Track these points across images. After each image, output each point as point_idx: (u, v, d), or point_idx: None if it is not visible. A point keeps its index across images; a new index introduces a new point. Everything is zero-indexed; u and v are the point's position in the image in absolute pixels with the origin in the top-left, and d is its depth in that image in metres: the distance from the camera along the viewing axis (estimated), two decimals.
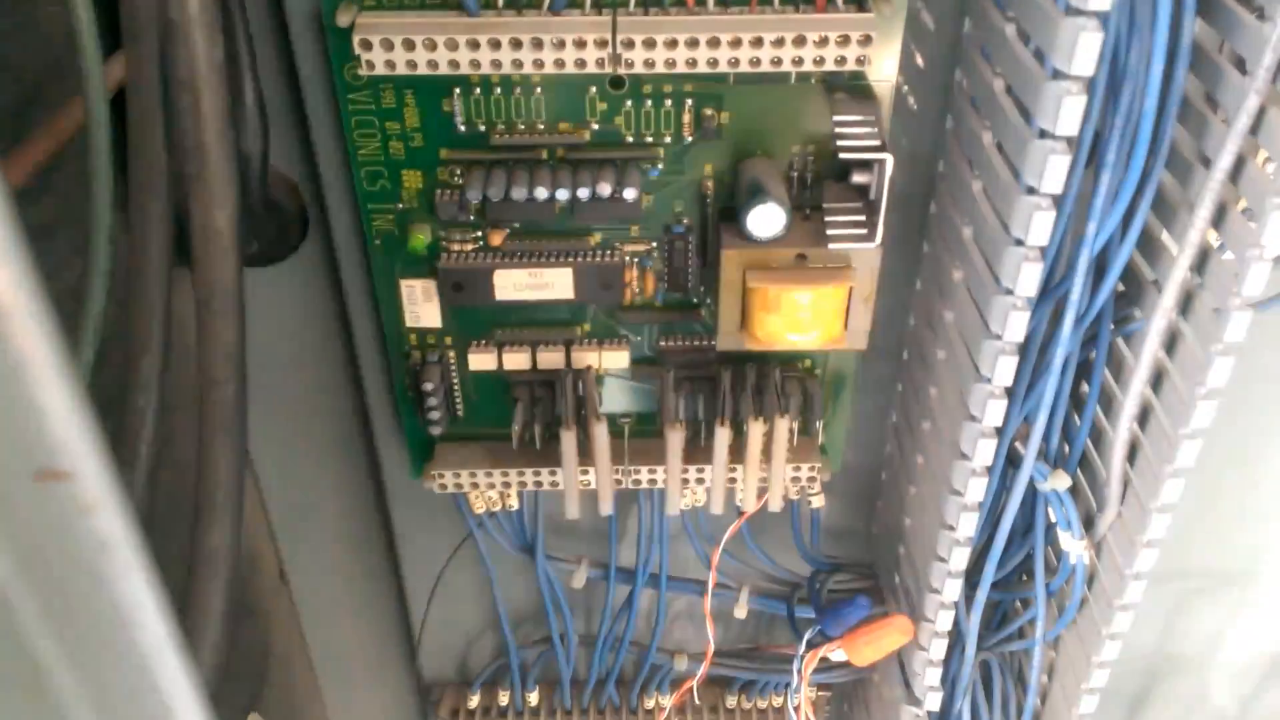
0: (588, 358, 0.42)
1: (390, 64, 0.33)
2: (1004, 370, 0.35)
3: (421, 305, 0.41)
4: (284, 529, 0.51)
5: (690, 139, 0.37)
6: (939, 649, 0.45)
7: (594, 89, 0.36)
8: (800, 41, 0.32)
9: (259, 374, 0.45)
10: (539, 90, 0.36)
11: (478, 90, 0.36)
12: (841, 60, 0.33)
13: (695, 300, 0.41)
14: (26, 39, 0.29)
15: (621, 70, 0.33)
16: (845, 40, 0.32)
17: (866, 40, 0.32)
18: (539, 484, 0.44)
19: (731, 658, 0.53)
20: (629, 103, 0.36)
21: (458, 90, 0.36)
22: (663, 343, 0.42)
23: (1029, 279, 0.33)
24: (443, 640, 0.56)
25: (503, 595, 0.50)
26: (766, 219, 0.35)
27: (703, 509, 0.47)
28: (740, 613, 0.50)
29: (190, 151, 0.24)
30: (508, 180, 0.36)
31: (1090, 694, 0.43)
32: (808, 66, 0.33)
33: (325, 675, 0.55)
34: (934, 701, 0.46)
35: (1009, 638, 0.47)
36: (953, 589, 0.40)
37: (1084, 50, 0.28)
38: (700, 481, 0.44)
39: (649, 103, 0.36)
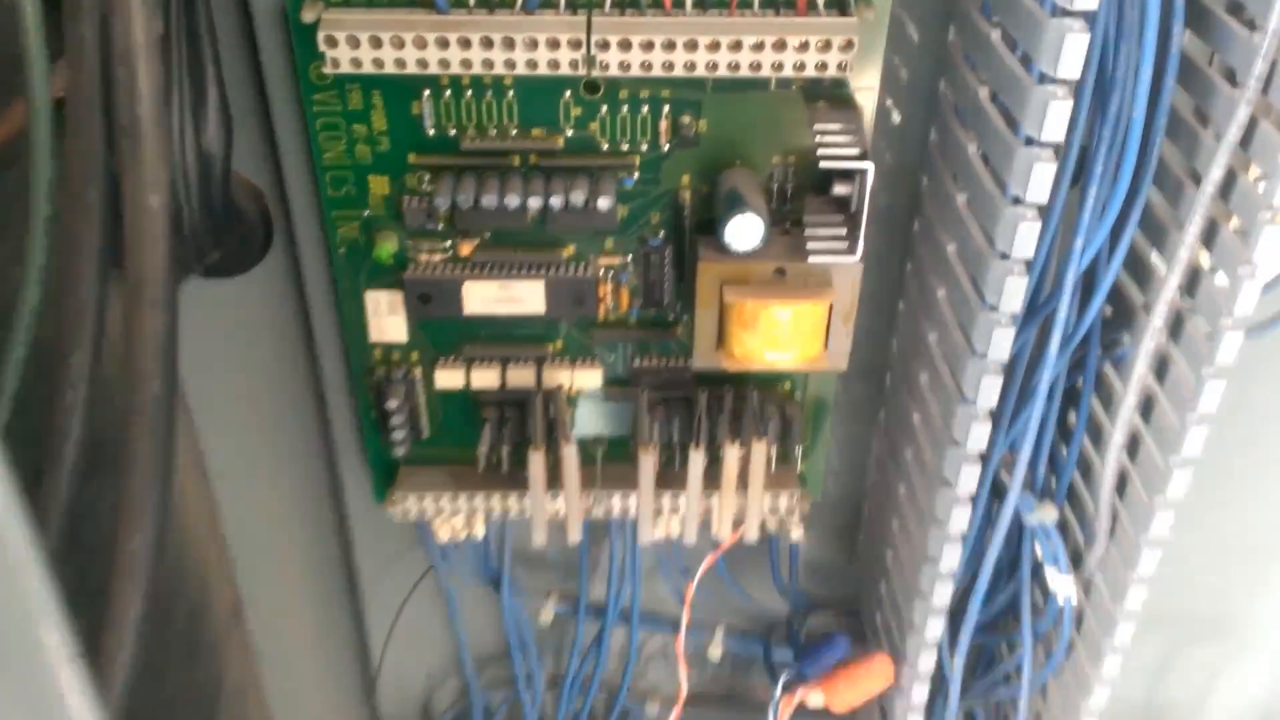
0: (559, 376, 0.40)
1: (356, 62, 0.32)
2: (988, 391, 0.34)
3: (386, 319, 0.39)
4: (241, 557, 0.49)
5: (667, 147, 0.36)
6: (921, 693, 0.43)
7: (568, 93, 0.35)
8: (780, 46, 0.31)
9: (218, 392, 0.44)
10: (511, 93, 0.35)
11: (448, 92, 0.35)
12: (823, 66, 0.32)
13: (671, 318, 0.40)
14: None
15: (596, 73, 0.32)
16: (827, 45, 0.31)
17: (848, 46, 0.31)
18: (506, 511, 0.42)
19: (705, 703, 0.50)
20: (604, 108, 0.35)
21: (427, 92, 0.34)
22: (637, 362, 0.40)
23: (1014, 294, 0.32)
24: (402, 680, 0.53)
25: (467, 632, 0.48)
26: (745, 230, 0.34)
27: (676, 540, 0.45)
28: (715, 653, 0.47)
29: (124, 129, 0.23)
30: (478, 187, 0.35)
31: None
32: (788, 71, 0.32)
33: (280, 713, 0.53)
34: None
35: (994, 684, 0.45)
36: (935, 627, 0.38)
37: (1071, 52, 0.27)
38: (675, 510, 0.42)
39: (625, 108, 0.35)
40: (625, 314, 0.39)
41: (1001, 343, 0.33)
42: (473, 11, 0.32)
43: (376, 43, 0.31)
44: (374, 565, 0.48)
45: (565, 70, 0.32)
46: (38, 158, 0.24)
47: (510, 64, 0.32)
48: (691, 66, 0.32)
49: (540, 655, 0.49)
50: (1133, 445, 0.37)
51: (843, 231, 0.34)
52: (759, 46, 0.31)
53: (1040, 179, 0.29)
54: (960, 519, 0.37)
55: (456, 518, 0.43)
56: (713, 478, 0.41)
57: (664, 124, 0.35)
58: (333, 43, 0.31)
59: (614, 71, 0.32)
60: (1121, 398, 0.36)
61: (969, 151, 0.33)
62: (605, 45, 0.31)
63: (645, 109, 0.35)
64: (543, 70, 0.32)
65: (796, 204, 0.36)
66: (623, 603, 0.47)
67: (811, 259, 0.34)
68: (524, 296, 0.38)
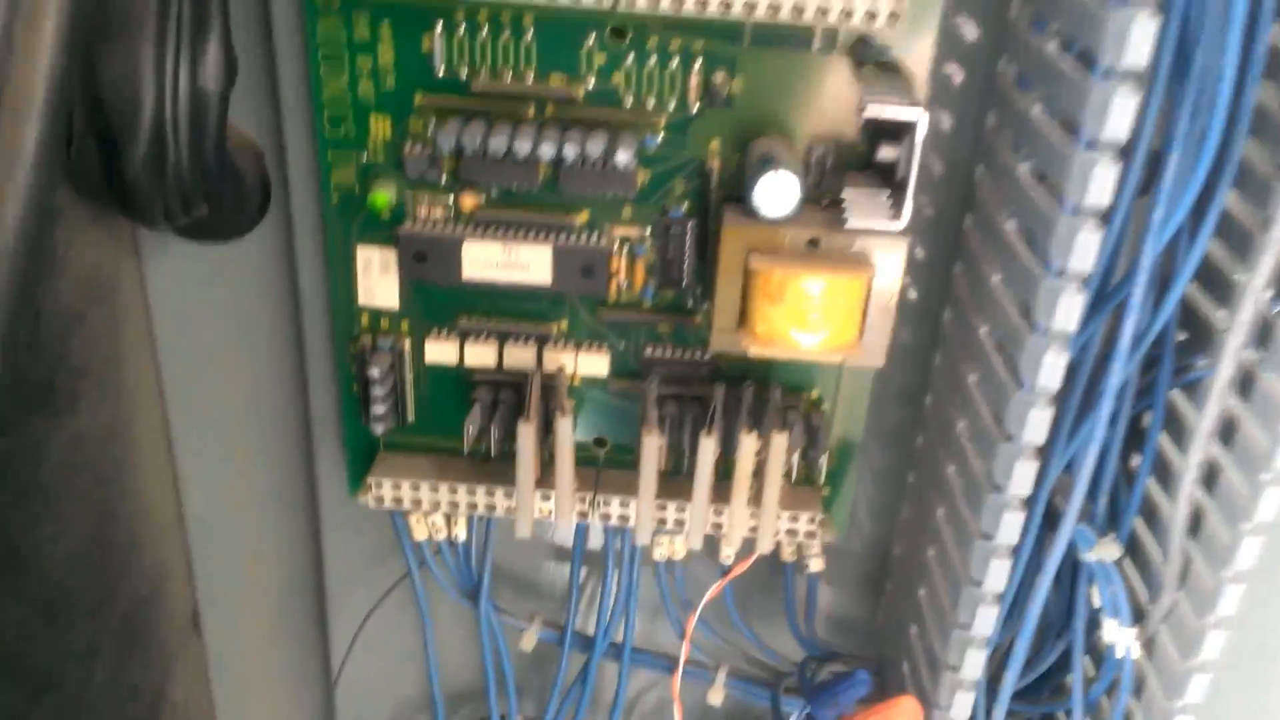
0: (562, 359, 0.36)
1: None
2: (1037, 424, 0.29)
3: (377, 280, 0.36)
4: (200, 555, 0.45)
5: (696, 108, 0.33)
6: None
7: (593, 37, 0.32)
8: None
9: (191, 369, 0.40)
10: (531, 33, 0.32)
11: (462, 29, 0.32)
12: (872, 16, 0.29)
13: (689, 304, 0.36)
14: None
15: (623, 7, 0.29)
16: None
17: None
18: (491, 507, 0.38)
19: None
20: (630, 57, 0.32)
21: (440, 26, 0.32)
22: (649, 351, 0.36)
23: (1069, 310, 0.27)
24: (364, 709, 0.48)
25: (439, 657, 0.43)
26: (777, 191, 0.30)
27: (680, 563, 0.41)
28: (715, 699, 0.42)
29: None
30: (486, 131, 0.32)
31: None
32: (834, 18, 0.29)
33: None
34: None
35: None
36: (974, 664, 0.33)
37: (1137, 40, 0.23)
38: (680, 524, 0.38)
39: (653, 59, 0.32)
40: (638, 294, 0.36)
41: (1051, 368, 0.28)
42: None
43: None
44: (344, 570, 0.43)
45: (589, 3, 0.29)
46: None
47: None
48: (727, 6, 0.29)
49: (518, 688, 0.44)
50: (1207, 479, 0.32)
51: (886, 195, 0.30)
52: None
53: (1100, 183, 0.25)
54: (998, 575, 0.31)
55: (436, 514, 0.39)
56: (723, 493, 0.36)
57: (694, 80, 0.32)
58: None
59: (642, 6, 0.29)
60: (1196, 424, 0.31)
61: (1019, 171, 0.29)
62: None
63: (675, 62, 0.32)
64: (565, 1, 0.29)
65: (836, 180, 0.33)
66: (614, 635, 0.42)
67: (850, 224, 0.30)
68: (529, 263, 0.34)
